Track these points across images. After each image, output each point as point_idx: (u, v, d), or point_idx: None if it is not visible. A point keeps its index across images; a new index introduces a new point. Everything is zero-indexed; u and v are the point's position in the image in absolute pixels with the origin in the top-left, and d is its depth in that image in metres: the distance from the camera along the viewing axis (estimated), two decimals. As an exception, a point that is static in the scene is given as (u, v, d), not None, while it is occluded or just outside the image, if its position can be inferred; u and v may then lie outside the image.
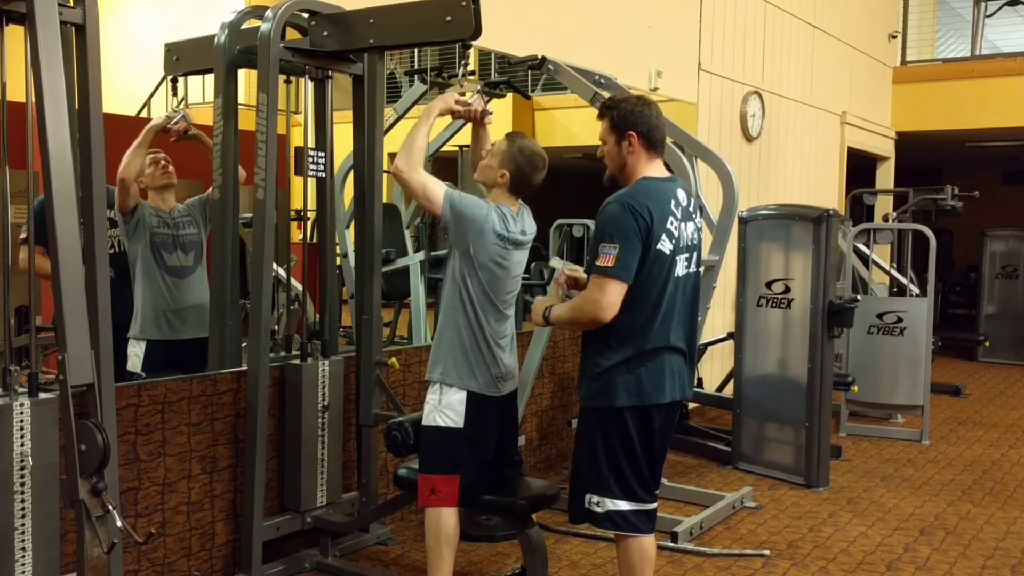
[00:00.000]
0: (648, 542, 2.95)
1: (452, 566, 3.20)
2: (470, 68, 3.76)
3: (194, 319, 4.00)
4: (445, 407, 3.19)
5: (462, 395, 3.18)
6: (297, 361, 3.72)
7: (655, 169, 2.95)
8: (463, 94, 3.39)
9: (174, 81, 4.07)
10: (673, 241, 2.86)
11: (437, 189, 3.15)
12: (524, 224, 3.26)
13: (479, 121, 3.45)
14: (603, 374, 2.86)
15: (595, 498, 2.89)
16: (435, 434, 3.21)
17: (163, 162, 3.97)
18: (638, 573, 2.94)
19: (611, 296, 2.78)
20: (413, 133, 3.23)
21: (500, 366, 3.22)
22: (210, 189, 3.96)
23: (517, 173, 3.20)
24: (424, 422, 3.24)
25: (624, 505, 2.88)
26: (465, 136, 3.32)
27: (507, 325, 3.27)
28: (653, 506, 2.96)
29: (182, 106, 4.13)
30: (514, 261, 3.23)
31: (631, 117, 2.91)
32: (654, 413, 2.89)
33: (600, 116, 3.00)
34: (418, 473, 3.28)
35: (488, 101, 3.60)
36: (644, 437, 2.88)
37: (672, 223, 2.85)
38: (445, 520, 3.17)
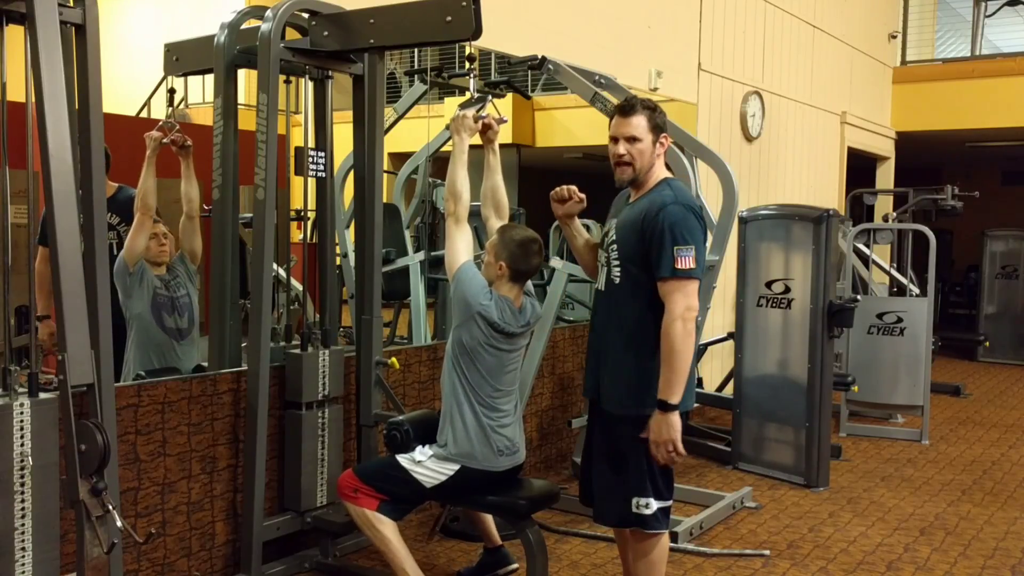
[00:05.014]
0: (668, 538, 3.06)
1: (402, 541, 3.28)
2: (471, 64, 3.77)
3: None
4: (430, 464, 3.27)
5: (454, 468, 3.25)
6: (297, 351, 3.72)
7: (668, 172, 3.02)
8: (480, 109, 3.43)
9: (171, 92, 4.04)
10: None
11: (460, 256, 3.24)
12: (527, 316, 3.32)
13: (491, 140, 3.48)
14: (653, 381, 2.83)
15: (643, 500, 2.90)
16: (398, 468, 3.30)
17: (162, 238, 3.90)
18: (661, 568, 3.02)
19: (696, 297, 2.81)
20: (453, 176, 3.29)
21: (502, 438, 3.28)
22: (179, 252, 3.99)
23: (513, 262, 3.26)
24: (403, 454, 3.32)
25: (660, 504, 2.93)
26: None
27: (508, 399, 3.32)
28: (672, 503, 3.02)
29: (182, 106, 4.12)
30: (508, 348, 3.28)
31: (666, 120, 2.98)
32: (687, 416, 2.96)
33: (632, 112, 2.92)
34: (351, 468, 3.39)
35: (489, 99, 3.62)
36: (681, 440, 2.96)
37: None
38: (368, 511, 3.27)
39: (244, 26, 3.77)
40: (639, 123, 2.91)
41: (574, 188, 3.10)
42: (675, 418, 2.78)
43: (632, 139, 2.91)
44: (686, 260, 2.77)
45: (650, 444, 2.82)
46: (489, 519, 3.63)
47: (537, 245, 3.30)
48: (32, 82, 2.49)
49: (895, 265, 8.11)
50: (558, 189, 3.11)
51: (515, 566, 3.66)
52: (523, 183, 7.95)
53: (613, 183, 3.02)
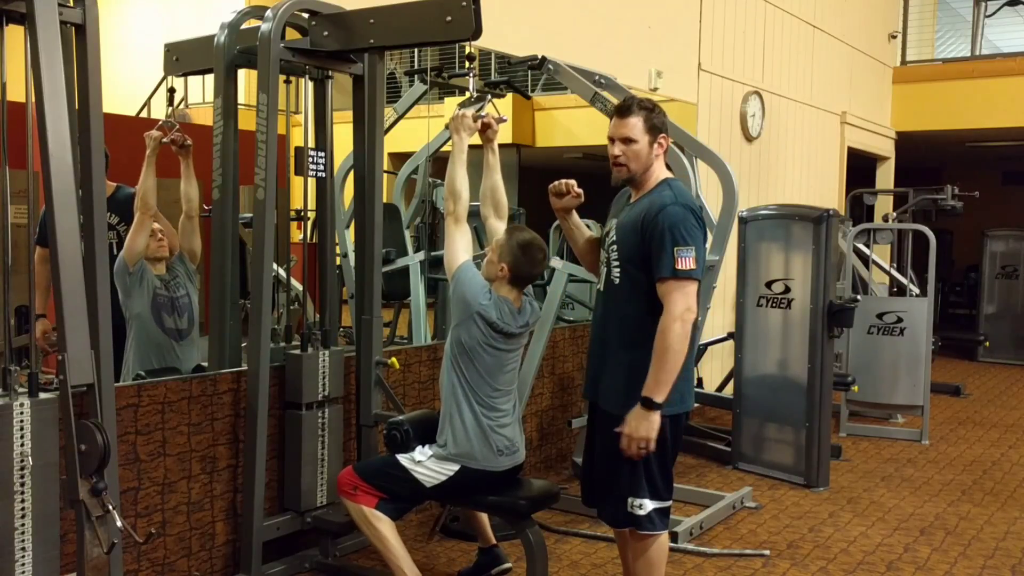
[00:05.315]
0: (668, 538, 3.04)
1: (399, 540, 3.28)
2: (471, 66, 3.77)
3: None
4: (430, 464, 3.27)
5: (454, 468, 3.25)
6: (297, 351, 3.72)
7: (668, 172, 3.01)
8: (479, 108, 3.44)
9: (171, 91, 4.04)
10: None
11: (459, 255, 3.24)
12: (526, 316, 3.33)
13: (491, 139, 3.48)
14: None
15: (637, 501, 2.90)
16: (398, 467, 3.30)
17: (159, 235, 3.88)
18: (660, 568, 3.01)
19: (695, 298, 2.81)
20: (452, 175, 3.30)
21: (502, 438, 3.28)
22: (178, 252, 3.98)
23: (515, 267, 3.26)
24: (403, 454, 3.32)
25: (657, 505, 2.93)
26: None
27: (507, 399, 3.33)
28: (671, 503, 3.01)
29: (182, 106, 4.11)
30: (507, 347, 3.29)
31: (665, 120, 2.96)
32: (688, 416, 3.00)
33: (628, 113, 2.90)
34: (352, 466, 3.40)
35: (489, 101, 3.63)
36: (680, 441, 2.96)
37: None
38: (367, 508, 3.27)
39: (244, 26, 3.77)
40: (635, 124, 2.89)
41: (572, 182, 3.09)
42: (656, 417, 2.76)
43: (627, 140, 2.90)
44: (686, 261, 2.76)
45: (622, 437, 2.79)
46: (484, 519, 3.63)
47: (542, 254, 3.30)
48: (32, 82, 2.49)
49: (895, 265, 8.11)
50: (556, 183, 3.11)
51: (508, 565, 3.66)
52: (523, 183, 7.95)
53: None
